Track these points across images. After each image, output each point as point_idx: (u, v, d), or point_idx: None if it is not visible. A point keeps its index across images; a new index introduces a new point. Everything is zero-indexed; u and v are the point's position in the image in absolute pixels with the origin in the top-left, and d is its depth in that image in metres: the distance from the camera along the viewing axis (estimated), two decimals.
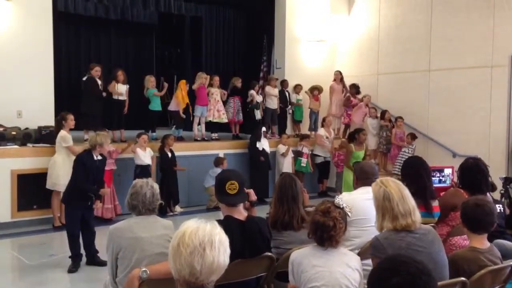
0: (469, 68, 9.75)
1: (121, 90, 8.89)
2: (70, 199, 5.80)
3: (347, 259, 2.73)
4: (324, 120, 10.80)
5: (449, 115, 10.09)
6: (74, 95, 10.33)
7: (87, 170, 5.69)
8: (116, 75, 8.89)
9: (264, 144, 9.83)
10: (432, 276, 1.65)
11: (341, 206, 2.78)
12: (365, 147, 8.68)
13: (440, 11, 10.34)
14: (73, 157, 7.39)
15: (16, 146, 7.70)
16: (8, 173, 7.51)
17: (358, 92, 11.18)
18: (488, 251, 3.00)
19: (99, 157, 5.85)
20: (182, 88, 9.62)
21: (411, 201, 2.86)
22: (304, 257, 2.72)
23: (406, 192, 2.89)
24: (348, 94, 11.23)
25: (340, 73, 11.50)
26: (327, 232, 2.68)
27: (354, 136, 8.48)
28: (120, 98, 8.93)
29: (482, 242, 3.01)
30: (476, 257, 2.93)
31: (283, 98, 11.04)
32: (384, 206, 2.84)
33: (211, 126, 10.19)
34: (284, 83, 11.13)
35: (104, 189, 6.03)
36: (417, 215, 2.84)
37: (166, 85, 9.91)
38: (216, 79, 10.10)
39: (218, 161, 9.02)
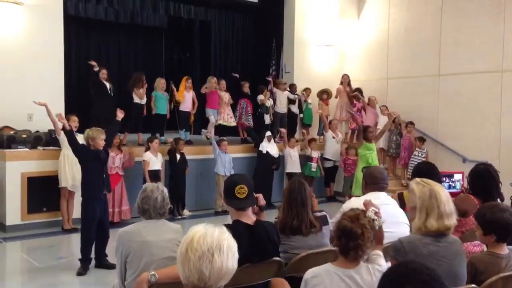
0: (479, 73, 9.70)
1: (143, 94, 9.11)
2: (85, 196, 5.80)
3: (371, 282, 2.46)
4: (330, 122, 10.80)
5: (459, 120, 10.03)
6: (84, 99, 10.40)
7: (87, 160, 5.71)
8: (141, 79, 9.01)
9: (268, 147, 9.79)
10: (444, 284, 1.64)
11: (372, 218, 2.61)
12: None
13: (450, 15, 10.31)
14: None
15: (26, 149, 7.76)
16: (19, 175, 7.55)
17: (361, 97, 11.14)
18: (507, 257, 2.93)
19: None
20: (181, 84, 9.72)
21: (453, 204, 2.81)
22: (321, 283, 2.46)
23: (448, 194, 2.84)
24: (353, 99, 11.20)
25: (348, 76, 11.48)
26: (354, 239, 2.45)
27: (362, 136, 9.09)
28: (142, 102, 9.04)
29: (502, 248, 2.95)
30: (495, 262, 2.87)
31: (291, 101, 11.03)
32: (430, 204, 2.74)
33: (221, 130, 10.20)
34: (293, 87, 11.13)
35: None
36: (455, 219, 2.78)
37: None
38: (223, 83, 10.12)
39: (218, 143, 9.16)
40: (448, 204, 2.76)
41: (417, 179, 2.92)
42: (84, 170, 5.86)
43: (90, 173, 5.75)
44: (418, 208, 2.80)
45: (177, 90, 9.89)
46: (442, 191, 2.80)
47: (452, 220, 2.75)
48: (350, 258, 2.48)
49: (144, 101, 9.17)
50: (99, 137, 5.71)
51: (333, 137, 10.58)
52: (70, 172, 7.46)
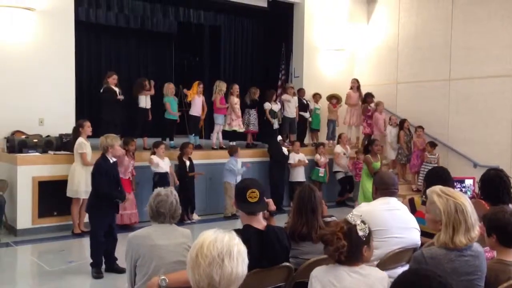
0: (490, 77, 9.63)
1: (147, 98, 9.18)
2: (95, 208, 5.80)
3: (372, 282, 2.53)
4: (340, 136, 10.73)
5: (470, 125, 9.97)
6: (95, 103, 10.48)
7: (108, 176, 5.72)
8: (144, 84, 9.07)
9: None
10: None
11: (352, 223, 2.59)
12: (380, 158, 8.94)
13: (460, 19, 10.25)
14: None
15: (37, 154, 7.81)
16: (30, 180, 7.61)
17: (373, 101, 11.12)
18: None
19: (114, 160, 5.87)
20: (193, 88, 9.77)
21: (475, 211, 2.74)
22: (325, 277, 2.55)
23: (470, 201, 2.77)
24: (366, 104, 11.16)
25: (357, 81, 11.46)
26: (331, 245, 2.55)
27: (368, 148, 8.85)
28: (147, 106, 9.10)
29: (510, 254, 2.91)
30: (504, 269, 2.82)
31: (301, 106, 11.02)
32: (457, 219, 2.64)
33: (229, 135, 10.21)
34: (300, 92, 11.12)
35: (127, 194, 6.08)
36: (478, 227, 2.71)
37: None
38: (236, 87, 10.13)
39: (232, 150, 9.14)
40: (473, 214, 2.68)
41: (437, 191, 2.80)
42: (96, 188, 5.82)
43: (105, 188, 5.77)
44: (444, 224, 2.69)
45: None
46: (466, 202, 2.71)
47: (477, 229, 2.69)
48: (349, 263, 2.55)
49: (148, 106, 9.21)
50: (117, 143, 5.80)
51: (344, 153, 10.51)
52: (83, 182, 7.52)
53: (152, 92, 9.37)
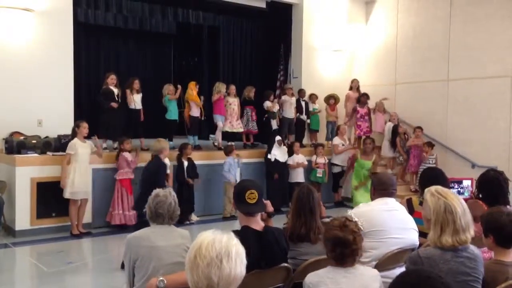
0: (489, 78, 9.64)
1: (136, 99, 9.04)
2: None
3: (366, 282, 2.58)
4: (338, 128, 10.75)
5: (468, 125, 9.97)
6: (93, 104, 10.46)
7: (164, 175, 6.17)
8: (132, 83, 9.00)
9: (277, 155, 9.76)
10: None
11: (354, 220, 2.67)
12: (375, 159, 9.14)
13: (459, 20, 10.26)
14: (87, 164, 7.58)
15: (36, 155, 7.81)
16: (28, 181, 7.60)
17: (367, 102, 11.08)
18: None
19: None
20: (192, 88, 9.72)
21: (470, 215, 2.73)
22: (321, 281, 2.58)
23: (465, 204, 2.76)
24: (355, 105, 11.12)
25: (357, 81, 11.45)
26: (349, 247, 2.56)
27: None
28: (137, 107, 9.04)
29: (508, 255, 2.91)
30: (502, 270, 2.82)
31: (300, 107, 11.01)
32: (445, 219, 2.66)
33: (228, 135, 10.21)
34: (301, 93, 11.12)
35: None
36: (472, 231, 2.71)
37: (179, 87, 9.80)
38: (233, 88, 10.13)
39: (228, 149, 9.13)
40: (464, 217, 2.67)
41: (432, 190, 2.82)
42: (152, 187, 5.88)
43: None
44: (432, 222, 2.72)
45: (185, 94, 9.93)
46: (458, 204, 2.71)
47: (469, 233, 2.68)
48: (348, 264, 2.59)
49: (138, 106, 9.10)
50: (168, 146, 6.42)
51: (343, 144, 10.53)
52: (77, 181, 7.52)
53: (137, 90, 9.16)
